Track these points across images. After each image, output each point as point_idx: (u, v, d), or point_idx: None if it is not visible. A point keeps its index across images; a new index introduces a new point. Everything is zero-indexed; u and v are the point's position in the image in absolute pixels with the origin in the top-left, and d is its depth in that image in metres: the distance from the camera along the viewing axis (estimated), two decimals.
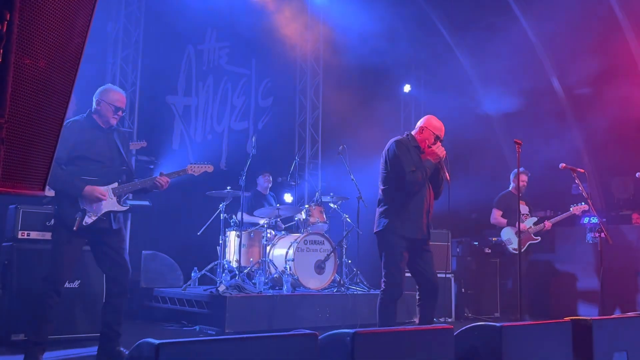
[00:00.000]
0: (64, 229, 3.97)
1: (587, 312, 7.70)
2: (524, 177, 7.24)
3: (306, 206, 7.34)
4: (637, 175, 7.05)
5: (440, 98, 9.55)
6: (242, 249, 6.69)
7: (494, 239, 7.80)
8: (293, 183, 8.01)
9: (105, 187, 4.06)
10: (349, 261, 7.22)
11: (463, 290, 7.99)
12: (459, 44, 10.55)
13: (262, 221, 6.88)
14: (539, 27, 9.50)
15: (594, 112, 9.11)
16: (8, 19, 1.27)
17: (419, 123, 4.62)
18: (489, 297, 8.11)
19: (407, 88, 10.85)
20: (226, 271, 6.56)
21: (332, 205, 7.48)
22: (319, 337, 2.32)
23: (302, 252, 6.62)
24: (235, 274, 6.46)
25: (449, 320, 7.54)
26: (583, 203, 7.06)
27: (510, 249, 7.14)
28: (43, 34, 1.43)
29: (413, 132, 4.62)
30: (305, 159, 9.66)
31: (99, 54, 7.30)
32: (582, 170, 6.12)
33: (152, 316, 6.61)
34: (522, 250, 7.04)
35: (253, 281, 6.44)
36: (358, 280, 7.17)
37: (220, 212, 6.84)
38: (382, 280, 4.41)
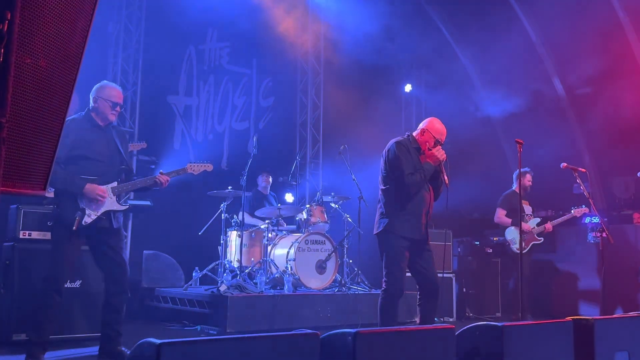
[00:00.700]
0: (64, 229, 3.97)
1: (589, 312, 7.70)
2: (529, 177, 7.26)
3: (307, 206, 7.34)
4: (638, 174, 7.05)
5: (441, 98, 9.55)
6: (243, 249, 6.69)
7: (495, 238, 7.79)
8: (294, 183, 8.01)
9: (105, 186, 4.06)
10: (350, 261, 7.22)
11: (464, 290, 7.99)
12: (460, 43, 10.55)
13: (263, 226, 6.89)
14: (540, 26, 9.50)
15: (595, 112, 9.11)
16: (9, 18, 1.27)
17: (421, 125, 4.61)
18: (490, 297, 8.11)
19: (408, 87, 10.85)
20: (227, 271, 6.57)
21: (333, 205, 7.47)
22: (321, 337, 2.32)
23: (303, 251, 6.62)
24: (237, 274, 6.46)
25: (450, 320, 7.54)
26: (584, 206, 7.07)
27: (514, 249, 7.14)
28: (44, 33, 1.43)
29: (414, 133, 4.62)
30: (307, 158, 9.65)
31: (100, 53, 7.29)
32: (583, 170, 6.12)
33: (154, 316, 6.61)
34: (526, 250, 7.03)
35: (254, 281, 6.44)
36: (359, 280, 7.17)
37: (221, 212, 6.84)
38: (383, 280, 4.42)
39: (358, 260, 7.38)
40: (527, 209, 7.31)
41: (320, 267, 6.75)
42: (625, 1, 8.43)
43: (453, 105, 9.36)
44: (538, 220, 7.30)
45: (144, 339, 1.96)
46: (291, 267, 6.50)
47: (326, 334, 2.41)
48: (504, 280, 8.20)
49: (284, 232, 7.18)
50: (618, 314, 7.10)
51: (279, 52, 9.13)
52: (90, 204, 3.99)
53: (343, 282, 6.79)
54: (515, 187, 7.34)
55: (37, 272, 4.46)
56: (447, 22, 10.47)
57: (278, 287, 6.64)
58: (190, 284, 6.68)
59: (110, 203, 4.07)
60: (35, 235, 4.83)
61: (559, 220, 7.25)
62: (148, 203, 6.73)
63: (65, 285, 4.42)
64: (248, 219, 7.12)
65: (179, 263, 7.08)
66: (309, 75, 9.83)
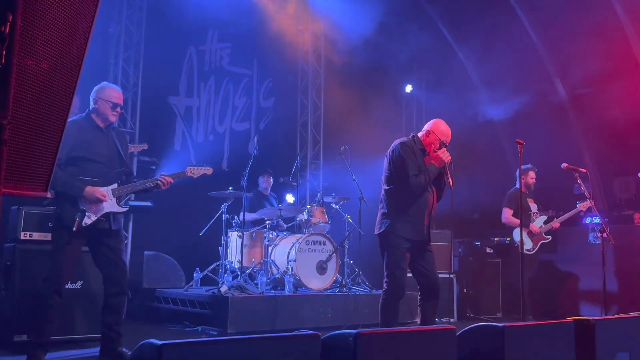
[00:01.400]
0: (64, 230, 3.97)
1: (590, 312, 7.69)
2: (532, 174, 7.14)
3: (308, 206, 7.34)
4: (638, 175, 7.04)
5: (442, 98, 9.54)
6: (244, 250, 6.69)
7: (496, 238, 7.77)
8: (295, 183, 8.01)
9: (105, 188, 4.06)
10: (351, 261, 7.21)
11: (465, 290, 7.99)
12: (460, 44, 10.54)
13: (267, 220, 6.88)
14: (541, 26, 9.49)
15: (595, 112, 9.10)
16: (10, 20, 1.27)
17: (427, 126, 4.60)
18: (490, 298, 8.10)
19: (408, 88, 10.85)
20: (228, 272, 6.57)
21: (333, 205, 7.47)
22: (321, 338, 2.32)
23: (304, 252, 6.62)
24: (237, 275, 6.47)
25: (451, 320, 7.54)
26: (589, 199, 6.97)
27: (524, 250, 6.95)
28: (45, 35, 1.43)
29: (419, 134, 4.61)
30: (307, 159, 9.65)
31: (100, 54, 7.30)
32: (584, 171, 6.12)
33: (154, 317, 6.62)
34: (535, 250, 6.96)
35: (255, 282, 6.44)
36: (360, 281, 7.17)
37: (222, 212, 6.84)
38: (385, 280, 4.43)
39: (359, 261, 7.38)
40: (533, 206, 7.18)
41: (321, 268, 6.75)
42: (626, 1, 8.43)
43: (454, 105, 9.36)
44: (545, 218, 7.16)
45: (145, 340, 1.96)
46: (292, 268, 6.50)
47: (327, 334, 2.41)
48: (505, 281, 8.19)
49: (285, 233, 7.18)
50: (619, 314, 7.10)
51: (280, 53, 9.13)
52: (91, 205, 3.99)
53: (344, 282, 6.79)
54: (518, 184, 7.22)
55: (38, 273, 4.45)
56: (447, 22, 10.46)
57: (279, 288, 6.64)
58: (191, 285, 6.68)
59: (111, 205, 4.07)
60: (36, 236, 4.83)
61: (566, 216, 7.10)
62: (149, 204, 6.73)
63: (66, 286, 4.43)
64: (249, 215, 7.12)
65: (180, 264, 7.08)
66: (310, 76, 9.83)
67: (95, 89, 4.22)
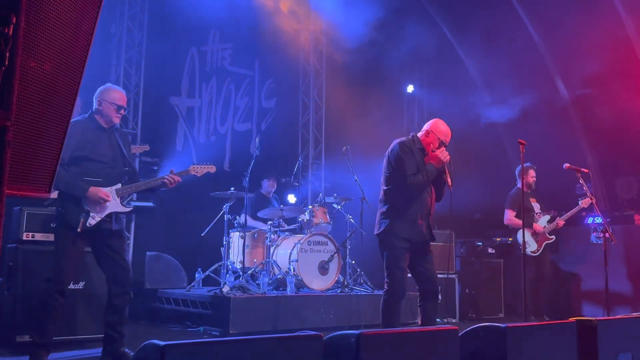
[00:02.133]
0: (68, 230, 3.98)
1: (592, 313, 7.68)
2: (532, 173, 7.02)
3: (310, 207, 7.34)
4: None
5: (444, 98, 9.54)
6: (246, 250, 6.69)
7: (497, 239, 7.76)
8: (296, 184, 8.01)
9: (109, 188, 4.07)
10: (353, 262, 7.21)
11: (467, 290, 7.98)
12: (462, 43, 10.54)
13: (268, 223, 6.88)
14: (543, 27, 9.49)
15: (597, 112, 9.09)
16: (14, 22, 1.27)
17: (426, 126, 4.60)
18: (493, 298, 8.10)
19: (410, 88, 10.85)
20: (230, 272, 6.57)
21: (335, 206, 7.47)
22: (324, 338, 2.32)
23: (305, 252, 6.62)
24: (239, 275, 6.47)
25: (453, 321, 7.54)
26: (589, 196, 6.84)
27: (528, 252, 6.78)
28: (49, 36, 1.43)
29: (419, 134, 4.62)
30: (309, 159, 9.66)
31: (102, 55, 7.31)
32: (586, 171, 6.11)
33: (157, 317, 6.62)
34: (540, 251, 6.84)
35: (257, 282, 6.44)
36: (362, 281, 7.17)
37: (224, 213, 6.84)
38: (385, 281, 4.45)
39: (361, 261, 7.38)
40: (536, 206, 7.07)
41: (323, 268, 6.75)
42: (628, 2, 8.42)
43: (455, 105, 9.35)
44: (548, 217, 7.04)
45: (148, 341, 1.97)
46: (294, 268, 6.50)
47: (329, 335, 2.41)
48: (507, 281, 8.19)
49: (287, 233, 7.18)
50: (621, 314, 7.09)
51: (281, 54, 9.14)
52: (95, 206, 4.00)
53: (346, 283, 6.79)
54: (519, 184, 7.05)
55: (40, 274, 4.46)
56: (448, 22, 10.46)
57: (281, 288, 6.64)
58: (193, 285, 6.68)
59: (114, 205, 4.08)
60: (38, 237, 4.84)
61: (569, 214, 6.97)
62: (151, 204, 6.74)
63: (69, 287, 4.43)
64: (250, 222, 7.12)
65: (182, 264, 7.08)
66: (311, 76, 9.83)
67: (99, 90, 4.22)
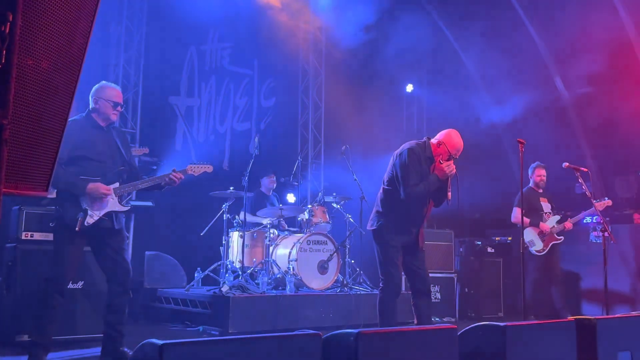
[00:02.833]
0: (66, 230, 3.97)
1: (591, 312, 7.68)
2: (539, 172, 6.89)
3: (309, 206, 7.34)
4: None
5: (443, 97, 9.54)
6: (245, 249, 6.69)
7: (497, 238, 7.76)
8: (296, 183, 8.00)
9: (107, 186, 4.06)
10: (352, 261, 7.21)
11: (466, 290, 7.99)
12: (461, 43, 10.54)
13: (265, 221, 6.88)
14: (542, 26, 9.49)
15: (597, 111, 9.09)
16: (11, 19, 1.27)
17: (439, 136, 4.54)
18: (492, 297, 8.10)
19: (409, 88, 10.85)
20: (229, 271, 6.57)
21: (334, 205, 7.47)
22: (323, 337, 2.32)
23: (305, 252, 6.62)
24: (239, 274, 6.46)
25: (453, 320, 7.54)
26: (607, 198, 6.66)
27: (533, 251, 6.70)
28: (45, 34, 1.43)
29: (432, 140, 4.56)
30: (308, 159, 9.65)
31: (101, 55, 7.30)
32: (585, 170, 6.11)
33: (156, 317, 6.62)
34: (545, 251, 6.70)
35: (256, 281, 6.44)
36: (361, 280, 7.17)
37: (223, 212, 6.84)
38: (381, 278, 4.51)
39: (360, 261, 7.37)
40: (546, 206, 6.91)
41: (322, 268, 6.75)
42: (627, 1, 8.43)
43: (454, 104, 9.36)
44: (558, 218, 6.84)
45: (147, 340, 1.96)
46: (293, 268, 6.50)
47: (328, 334, 2.41)
48: (506, 280, 8.18)
49: (286, 233, 7.18)
50: (621, 313, 7.10)
51: (281, 53, 9.13)
52: (93, 204, 3.99)
53: (345, 282, 6.79)
54: (532, 183, 6.95)
55: (39, 273, 4.45)
56: (448, 22, 10.46)
57: (280, 288, 6.64)
58: (192, 285, 6.69)
59: (113, 204, 4.07)
60: (37, 236, 4.84)
61: (580, 216, 6.82)
62: (150, 203, 6.73)
63: (68, 286, 4.42)
64: (250, 217, 7.12)
65: (181, 264, 7.08)
66: (311, 75, 9.83)
67: (94, 88, 4.21)
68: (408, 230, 4.49)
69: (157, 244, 7.14)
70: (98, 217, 3.99)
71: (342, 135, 8.85)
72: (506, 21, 9.40)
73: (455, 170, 4.41)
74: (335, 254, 6.82)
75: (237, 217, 7.00)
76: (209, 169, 4.66)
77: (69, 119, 4.02)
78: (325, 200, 7.53)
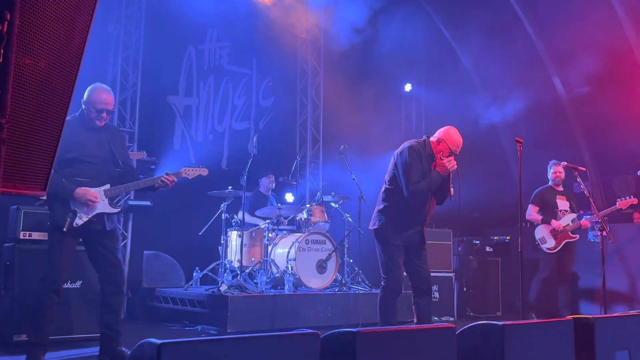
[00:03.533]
0: (56, 230, 3.95)
1: (589, 311, 7.69)
2: (556, 168, 6.81)
3: (307, 206, 7.34)
4: (638, 173, 6.99)
5: (441, 97, 9.55)
6: (244, 249, 6.69)
7: (495, 237, 7.76)
8: (294, 183, 8.00)
9: (97, 189, 4.01)
10: (351, 260, 7.22)
11: (465, 289, 7.99)
12: (459, 42, 10.55)
13: (263, 225, 6.88)
14: (541, 26, 9.50)
15: (595, 111, 9.11)
16: (8, 19, 1.26)
17: (439, 133, 4.56)
18: (490, 296, 8.11)
19: (408, 87, 10.86)
20: (228, 271, 6.56)
21: (333, 204, 7.47)
22: (321, 337, 2.32)
23: (303, 251, 6.62)
24: (237, 274, 6.46)
25: (451, 319, 7.55)
26: (632, 196, 6.56)
27: (544, 249, 6.66)
28: (44, 34, 1.42)
29: (431, 139, 4.58)
30: (307, 158, 9.65)
31: (99, 54, 7.29)
32: (583, 169, 6.11)
33: (154, 316, 6.62)
34: (558, 249, 6.61)
35: (255, 281, 6.44)
36: (360, 280, 7.17)
37: (221, 212, 6.84)
38: (382, 277, 4.50)
39: (358, 260, 7.38)
40: (563, 204, 6.82)
41: (321, 267, 6.75)
42: (626, 1, 8.43)
43: (453, 104, 9.36)
44: (574, 216, 6.74)
45: (145, 339, 1.96)
46: (292, 267, 6.50)
47: (327, 333, 2.41)
48: (505, 279, 8.19)
49: (285, 232, 7.18)
50: (619, 312, 7.10)
51: (279, 53, 9.13)
52: (82, 206, 3.95)
53: (343, 281, 6.79)
54: (551, 182, 6.88)
55: (37, 273, 4.43)
56: (446, 21, 10.47)
57: (278, 287, 6.64)
58: (191, 284, 6.68)
59: (103, 206, 4.02)
60: (35, 236, 4.83)
61: (602, 213, 6.54)
62: (148, 203, 6.72)
63: (66, 286, 4.42)
64: (248, 218, 7.12)
65: (180, 263, 7.08)
66: (309, 75, 9.83)
67: (87, 89, 4.11)
68: (410, 229, 4.48)
69: (155, 243, 7.13)
70: (87, 219, 3.96)
71: (340, 135, 8.85)
72: (504, 21, 9.41)
73: (456, 166, 4.42)
74: (333, 253, 6.82)
75: (235, 216, 7.00)
76: (204, 172, 4.58)
77: None
78: (324, 199, 7.53)
